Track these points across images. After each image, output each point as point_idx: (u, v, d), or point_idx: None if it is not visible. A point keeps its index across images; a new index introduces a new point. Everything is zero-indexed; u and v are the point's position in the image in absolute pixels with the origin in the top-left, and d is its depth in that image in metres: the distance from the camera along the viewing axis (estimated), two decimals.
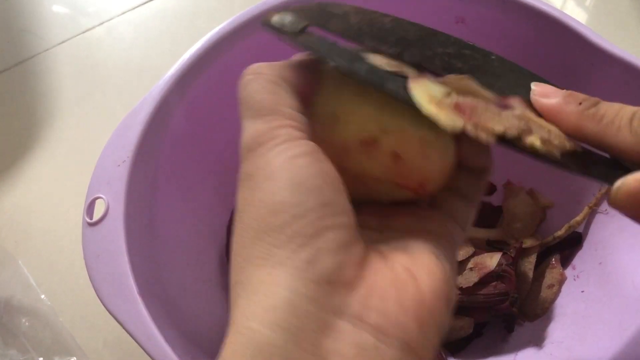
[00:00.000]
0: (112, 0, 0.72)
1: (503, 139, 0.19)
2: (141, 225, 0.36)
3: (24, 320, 0.49)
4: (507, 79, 0.22)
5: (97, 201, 0.35)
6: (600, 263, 0.40)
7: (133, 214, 0.35)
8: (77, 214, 0.56)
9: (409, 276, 0.20)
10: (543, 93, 0.21)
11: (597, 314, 0.38)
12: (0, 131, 0.62)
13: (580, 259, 0.43)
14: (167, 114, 0.38)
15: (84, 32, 0.70)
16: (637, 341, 0.31)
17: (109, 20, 0.71)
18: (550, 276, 0.43)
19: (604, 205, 0.41)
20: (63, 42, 0.69)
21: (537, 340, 0.41)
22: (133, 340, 0.31)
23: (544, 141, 0.19)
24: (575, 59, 0.37)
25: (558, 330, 0.40)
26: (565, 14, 0.37)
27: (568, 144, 0.19)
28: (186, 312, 0.37)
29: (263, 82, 0.21)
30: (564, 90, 0.21)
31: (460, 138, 0.22)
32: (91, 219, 0.35)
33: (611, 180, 0.19)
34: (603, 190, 0.41)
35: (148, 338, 0.30)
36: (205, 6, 0.70)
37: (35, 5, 0.73)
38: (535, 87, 0.22)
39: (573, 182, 0.44)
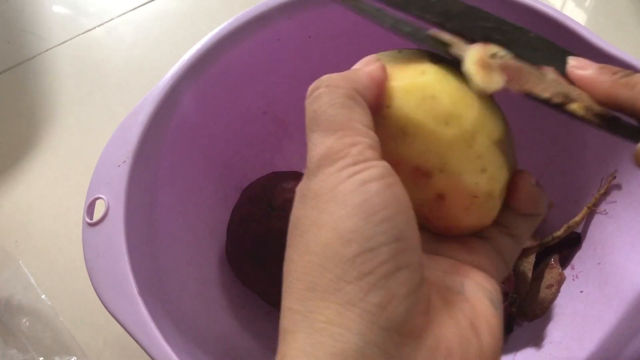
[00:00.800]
0: (112, 0, 0.72)
1: (547, 102, 0.21)
2: (141, 225, 0.36)
3: (24, 320, 0.49)
4: (543, 53, 0.24)
5: (97, 201, 0.35)
6: (599, 263, 0.40)
7: (133, 214, 0.35)
8: (78, 214, 0.56)
9: (473, 333, 0.20)
10: (579, 65, 0.23)
11: (596, 314, 0.38)
12: (1, 131, 0.62)
13: (579, 259, 0.43)
14: (167, 114, 0.38)
15: (84, 33, 0.70)
16: (636, 341, 0.31)
17: (109, 20, 0.71)
18: (549, 276, 0.43)
19: (603, 206, 0.41)
20: (63, 42, 0.69)
21: (536, 340, 0.41)
22: (133, 340, 0.31)
23: (583, 107, 0.21)
24: None
25: (557, 330, 0.40)
26: (564, 15, 0.37)
27: (599, 108, 0.21)
28: (186, 312, 0.37)
29: (338, 95, 0.20)
30: (598, 64, 0.23)
31: (514, 188, 0.23)
32: (91, 219, 0.35)
33: (637, 139, 0.21)
34: (602, 191, 0.41)
35: (148, 338, 0.30)
36: (205, 7, 0.71)
37: (35, 5, 0.73)
38: (571, 60, 0.23)
39: (572, 183, 0.44)
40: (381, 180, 0.19)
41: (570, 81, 0.23)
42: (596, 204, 0.42)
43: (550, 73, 0.22)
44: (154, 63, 0.66)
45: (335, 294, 0.18)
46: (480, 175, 0.22)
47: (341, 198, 0.18)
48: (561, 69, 0.23)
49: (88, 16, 0.71)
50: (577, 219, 0.43)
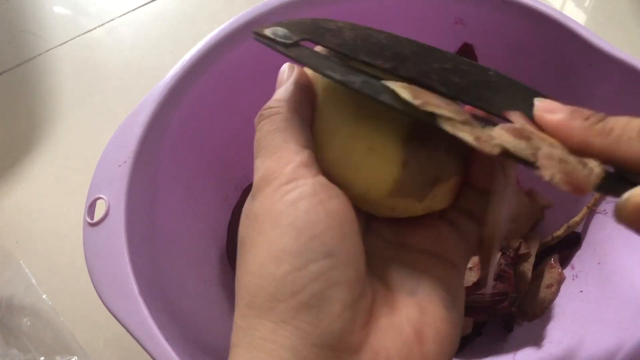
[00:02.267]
0: (112, 1, 0.72)
1: (507, 154, 0.18)
2: (142, 225, 0.36)
3: (25, 319, 0.49)
4: (506, 94, 0.22)
5: (98, 201, 0.35)
6: (599, 263, 0.40)
7: (134, 214, 0.35)
8: (78, 214, 0.56)
9: (416, 341, 0.20)
10: (547, 109, 0.20)
11: (596, 314, 0.38)
12: (1, 132, 0.63)
13: (579, 259, 0.43)
14: (167, 114, 0.38)
15: (84, 33, 0.70)
16: (635, 341, 0.31)
17: (109, 21, 0.71)
18: (549, 276, 0.43)
19: (603, 205, 0.41)
20: (64, 43, 0.69)
21: (536, 340, 0.41)
22: (134, 340, 0.31)
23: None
24: (574, 59, 0.37)
25: (557, 330, 0.40)
26: (564, 15, 0.37)
27: (573, 160, 0.19)
28: (186, 312, 0.37)
29: (273, 123, 0.22)
30: (569, 105, 0.20)
31: (470, 159, 0.23)
32: (92, 219, 0.35)
33: (618, 193, 0.18)
34: None
35: (149, 337, 0.31)
36: (205, 8, 0.71)
37: (36, 6, 0.73)
38: (538, 102, 0.21)
39: None
40: (311, 198, 0.19)
41: (539, 127, 0.20)
42: (596, 204, 0.42)
43: (517, 119, 0.20)
44: (154, 63, 0.66)
45: (269, 312, 0.18)
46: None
47: (275, 218, 0.19)
48: (528, 111, 0.20)
49: (88, 17, 0.71)
50: (577, 218, 0.43)
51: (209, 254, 0.44)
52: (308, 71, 0.24)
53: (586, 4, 0.66)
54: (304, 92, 0.23)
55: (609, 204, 0.41)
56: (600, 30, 0.61)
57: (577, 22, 0.36)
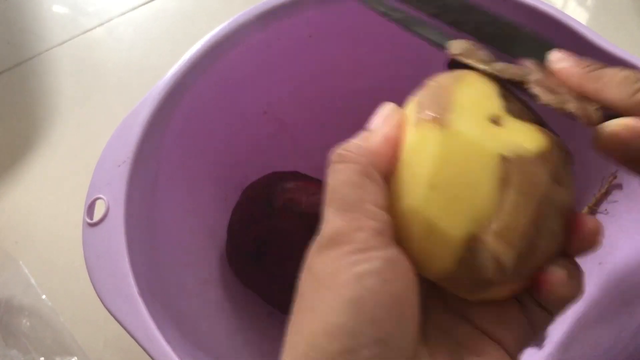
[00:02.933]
0: (112, 0, 0.72)
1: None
2: (141, 225, 0.36)
3: (24, 320, 0.49)
4: (532, 47, 0.26)
5: (98, 202, 0.35)
6: (600, 263, 0.40)
7: (133, 214, 0.35)
8: (77, 215, 0.56)
9: None
10: (558, 58, 0.24)
11: (597, 315, 0.37)
12: (0, 131, 0.62)
13: (580, 259, 0.43)
14: (167, 114, 0.38)
15: (84, 33, 0.70)
16: (636, 342, 0.31)
17: (109, 20, 0.71)
18: None
19: (604, 206, 0.41)
20: (63, 42, 0.69)
21: (537, 340, 0.41)
22: (134, 341, 0.31)
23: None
24: None
25: (557, 330, 0.40)
26: (565, 14, 0.37)
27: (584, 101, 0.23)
28: (186, 312, 0.37)
29: (351, 173, 0.21)
30: (575, 57, 0.24)
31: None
32: (91, 219, 0.35)
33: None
34: (603, 190, 0.41)
35: (148, 338, 0.30)
36: (205, 7, 0.71)
37: (35, 5, 0.73)
38: (553, 53, 0.25)
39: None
40: (378, 276, 0.19)
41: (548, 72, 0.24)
42: (597, 204, 0.41)
43: (530, 66, 0.24)
44: (154, 63, 0.66)
45: None
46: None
47: (336, 289, 0.19)
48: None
49: (88, 16, 0.71)
50: None
51: (208, 254, 0.44)
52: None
53: (588, 3, 0.66)
54: (390, 148, 0.21)
55: (610, 204, 0.41)
56: (602, 30, 0.61)
57: (578, 21, 0.36)
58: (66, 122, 0.62)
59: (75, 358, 0.47)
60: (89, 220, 0.34)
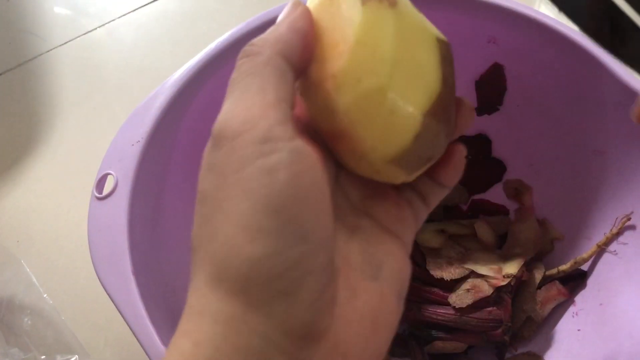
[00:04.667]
0: (113, 1, 0.73)
1: None
2: (147, 205, 0.36)
3: (26, 319, 0.49)
4: None
5: (108, 177, 0.36)
6: (601, 304, 0.39)
7: (140, 193, 0.35)
8: (79, 214, 0.56)
9: (372, 330, 0.20)
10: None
11: (590, 356, 0.37)
12: (2, 132, 0.63)
13: (582, 297, 0.41)
14: (187, 100, 0.38)
15: (85, 34, 0.70)
16: None
17: (109, 21, 0.71)
18: (546, 294, 0.42)
19: (614, 246, 0.40)
20: (64, 43, 0.69)
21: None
22: (134, 339, 0.31)
23: None
24: (604, 95, 0.37)
25: None
26: (596, 47, 0.35)
27: None
28: (181, 293, 0.37)
29: (255, 64, 0.19)
30: None
31: (446, 162, 0.23)
32: (100, 193, 0.35)
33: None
34: (615, 230, 0.39)
35: (135, 317, 0.31)
36: (205, 8, 0.71)
37: (36, 6, 0.73)
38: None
39: (586, 218, 0.42)
40: (288, 169, 0.17)
41: None
42: (607, 243, 0.40)
43: None
44: (155, 64, 0.66)
45: (240, 293, 0.17)
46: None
47: (246, 185, 0.17)
48: None
49: (88, 17, 0.71)
50: (585, 255, 0.41)
51: None
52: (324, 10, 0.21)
53: None
54: (297, 34, 0.20)
55: (620, 245, 0.39)
56: None
57: (610, 57, 0.33)
58: (67, 122, 0.63)
59: (76, 356, 0.47)
60: (97, 195, 0.35)
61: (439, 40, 0.21)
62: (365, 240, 0.21)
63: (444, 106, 0.21)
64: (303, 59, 0.20)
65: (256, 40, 0.20)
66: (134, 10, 0.71)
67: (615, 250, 0.39)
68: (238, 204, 0.17)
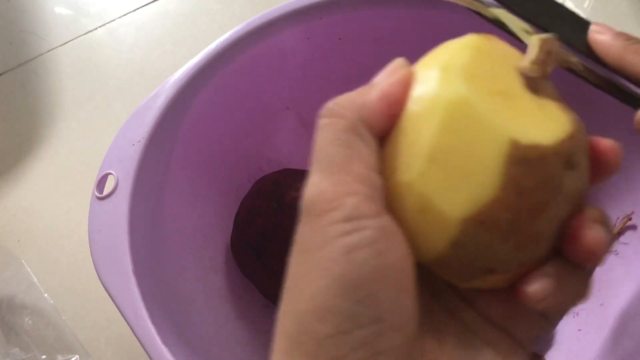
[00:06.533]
0: (113, 1, 0.73)
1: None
2: (148, 205, 0.36)
3: (26, 318, 0.49)
4: (569, 24, 0.27)
5: (109, 177, 0.36)
6: (602, 304, 0.39)
7: (140, 192, 0.35)
8: (79, 213, 0.56)
9: None
10: (599, 30, 0.25)
11: (590, 356, 0.37)
12: (2, 131, 0.63)
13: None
14: (188, 99, 0.38)
15: (85, 34, 0.70)
16: None
17: (110, 21, 0.71)
18: None
19: (614, 246, 0.39)
20: (65, 43, 0.69)
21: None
22: (135, 339, 0.31)
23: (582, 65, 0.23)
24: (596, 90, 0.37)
25: None
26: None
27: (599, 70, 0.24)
28: (182, 294, 0.38)
29: (339, 130, 0.18)
30: (615, 30, 0.25)
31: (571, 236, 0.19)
32: (101, 193, 0.35)
33: (636, 105, 0.23)
34: (616, 231, 0.39)
35: (135, 316, 0.31)
36: (206, 8, 0.71)
37: (37, 6, 0.73)
38: (594, 25, 0.25)
39: None
40: (370, 247, 0.17)
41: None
42: None
43: None
44: (155, 64, 0.66)
45: None
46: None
47: (324, 264, 0.17)
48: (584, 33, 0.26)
49: (89, 17, 0.71)
50: None
51: (213, 241, 0.44)
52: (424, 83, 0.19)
53: (585, 5, 0.66)
54: (385, 103, 0.19)
55: (620, 245, 0.39)
56: None
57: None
58: (68, 122, 0.63)
59: (77, 356, 0.47)
60: (98, 194, 0.35)
61: (514, 143, 0.18)
62: (462, 329, 0.20)
63: (503, 215, 0.18)
64: (384, 129, 0.19)
65: (342, 99, 0.19)
66: (135, 10, 0.71)
67: (615, 250, 0.39)
68: (314, 281, 0.17)
